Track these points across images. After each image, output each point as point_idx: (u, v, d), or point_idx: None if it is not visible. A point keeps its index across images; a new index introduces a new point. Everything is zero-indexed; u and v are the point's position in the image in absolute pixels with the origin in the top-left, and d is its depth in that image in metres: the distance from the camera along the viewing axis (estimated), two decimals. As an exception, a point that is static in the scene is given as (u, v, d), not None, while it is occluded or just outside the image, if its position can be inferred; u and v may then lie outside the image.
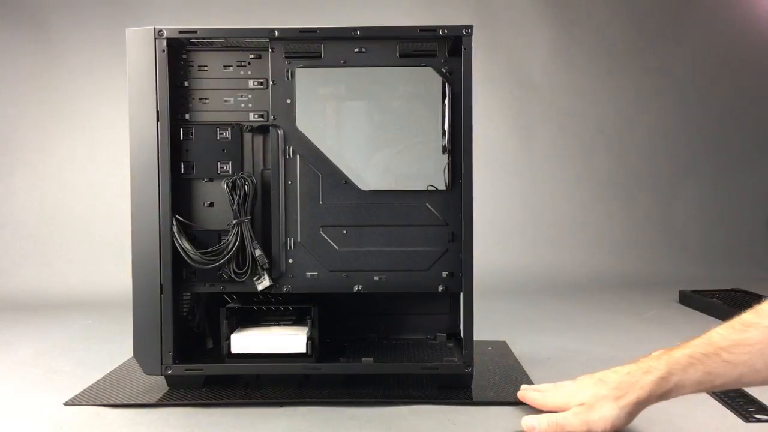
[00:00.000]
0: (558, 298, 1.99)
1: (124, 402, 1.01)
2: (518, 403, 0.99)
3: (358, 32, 1.02)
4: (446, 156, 1.06)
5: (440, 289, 1.06)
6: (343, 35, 1.03)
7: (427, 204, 1.06)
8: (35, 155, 2.25)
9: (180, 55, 1.06)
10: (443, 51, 1.04)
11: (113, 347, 1.36)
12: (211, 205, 1.07)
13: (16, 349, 1.40)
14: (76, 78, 2.28)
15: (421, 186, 1.06)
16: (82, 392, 1.06)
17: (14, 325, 1.65)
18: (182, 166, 1.06)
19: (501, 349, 1.31)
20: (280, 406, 1.00)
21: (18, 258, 2.14)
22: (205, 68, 1.06)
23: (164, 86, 1.02)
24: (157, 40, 1.02)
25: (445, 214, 1.06)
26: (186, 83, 1.06)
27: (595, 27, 2.51)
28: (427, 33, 1.02)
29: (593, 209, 2.46)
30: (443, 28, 1.01)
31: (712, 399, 0.99)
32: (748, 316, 0.79)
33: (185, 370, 1.05)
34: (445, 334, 1.23)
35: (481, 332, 1.39)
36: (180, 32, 1.03)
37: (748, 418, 0.92)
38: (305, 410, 0.99)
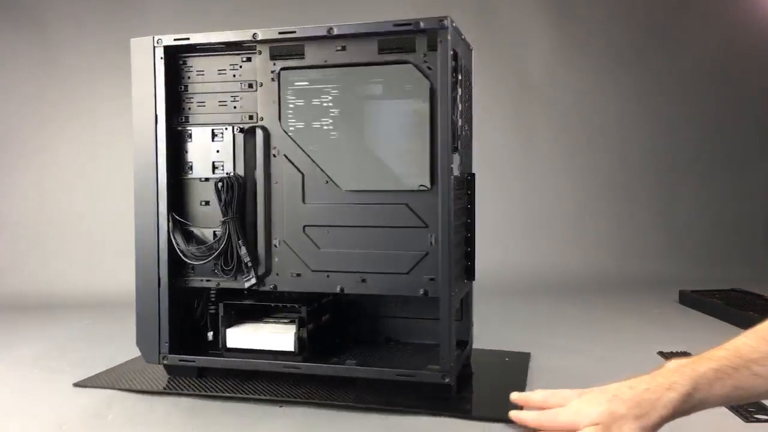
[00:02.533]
0: (558, 297, 1.98)
1: (129, 387, 1.08)
2: (500, 419, 0.93)
3: (335, 30, 1.01)
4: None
5: (421, 292, 1.02)
6: (321, 34, 1.02)
7: (407, 205, 1.02)
8: (35, 155, 2.23)
9: (179, 60, 1.11)
10: (423, 45, 1.00)
11: (113, 347, 1.35)
12: (207, 204, 1.11)
13: (16, 349, 1.39)
14: (75, 77, 2.25)
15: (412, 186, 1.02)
16: (91, 377, 1.15)
17: (14, 325, 1.64)
18: (182, 166, 1.12)
19: (520, 360, 1.23)
20: (281, 406, 1.01)
21: (18, 258, 2.13)
22: (202, 72, 1.11)
23: (162, 91, 1.08)
24: (156, 48, 1.09)
25: (425, 215, 1.01)
26: (185, 87, 1.11)
27: (596, 26, 2.50)
28: (403, 27, 0.99)
29: (594, 209, 2.47)
30: (418, 21, 0.97)
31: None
32: None
33: (179, 360, 1.11)
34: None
35: (497, 337, 1.38)
36: (175, 39, 1.08)
37: (748, 418, 0.92)
38: (304, 410, 0.99)
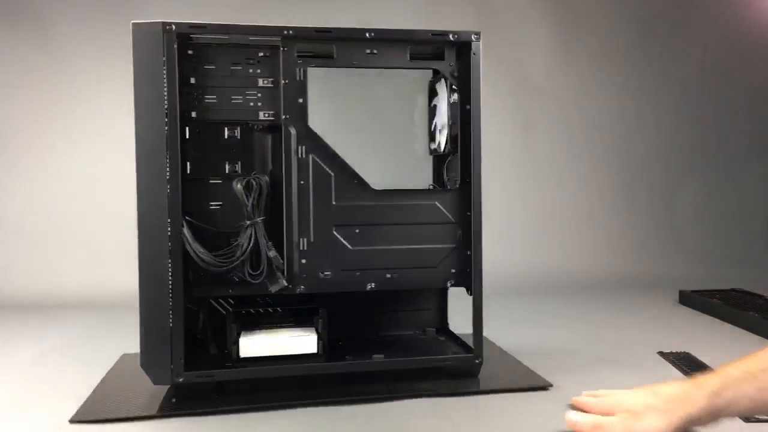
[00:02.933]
0: (558, 297, 1.98)
1: (129, 415, 0.96)
2: (524, 389, 1.05)
3: (372, 34, 1.04)
4: (432, 158, 1.11)
5: (449, 284, 1.10)
6: (357, 36, 1.03)
7: (437, 203, 1.09)
8: (35, 155, 2.18)
9: (186, 51, 1.02)
10: (452, 54, 1.08)
11: (113, 347, 1.34)
12: (219, 205, 1.04)
13: (16, 349, 1.40)
14: (75, 77, 2.19)
15: (415, 185, 1.10)
16: (84, 404, 1.00)
17: (14, 325, 1.65)
18: (188, 165, 1.03)
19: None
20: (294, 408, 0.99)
21: (18, 258, 2.10)
22: (213, 65, 1.03)
23: (174, 84, 0.98)
24: (165, 35, 0.98)
25: (453, 212, 1.09)
26: (193, 80, 1.02)
27: (596, 26, 2.48)
28: (438, 37, 1.05)
29: (594, 209, 2.44)
30: (453, 33, 1.05)
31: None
32: None
33: (197, 377, 1.02)
34: (434, 329, 1.27)
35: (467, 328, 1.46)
36: (190, 27, 0.99)
37: (748, 418, 0.90)
38: (306, 410, 0.99)
